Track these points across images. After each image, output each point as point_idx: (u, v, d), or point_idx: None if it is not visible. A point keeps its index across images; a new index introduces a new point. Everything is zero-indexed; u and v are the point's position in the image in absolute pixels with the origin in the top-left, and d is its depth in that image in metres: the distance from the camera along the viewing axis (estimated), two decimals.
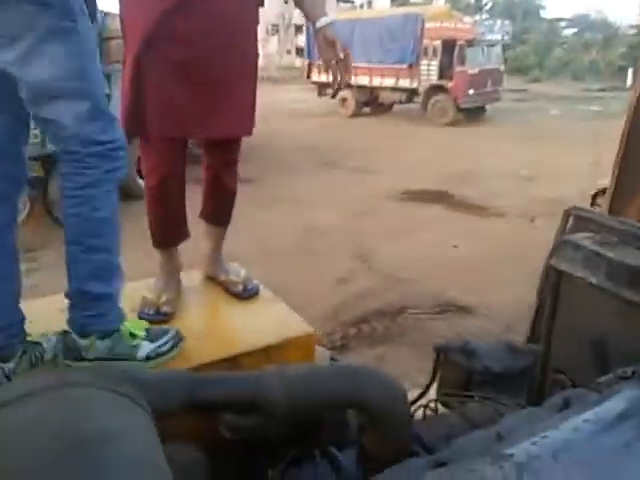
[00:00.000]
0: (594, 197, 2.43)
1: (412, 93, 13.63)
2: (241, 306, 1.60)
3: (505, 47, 14.50)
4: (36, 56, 1.07)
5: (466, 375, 1.12)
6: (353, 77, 14.06)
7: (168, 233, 1.63)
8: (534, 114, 14.69)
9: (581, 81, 24.75)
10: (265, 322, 1.47)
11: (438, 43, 12.82)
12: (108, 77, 4.69)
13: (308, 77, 15.05)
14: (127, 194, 5.70)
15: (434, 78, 13.03)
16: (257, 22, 1.61)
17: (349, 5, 37.67)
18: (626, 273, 1.10)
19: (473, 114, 13.32)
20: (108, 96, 4.37)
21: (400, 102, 14.10)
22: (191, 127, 1.53)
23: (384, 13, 14.89)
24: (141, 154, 1.56)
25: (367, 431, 0.94)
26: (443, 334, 3.88)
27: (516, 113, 14.84)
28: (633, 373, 0.94)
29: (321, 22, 1.57)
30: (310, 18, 1.60)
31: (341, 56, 1.57)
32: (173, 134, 1.52)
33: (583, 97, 19.21)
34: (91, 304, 1.22)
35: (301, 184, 7.74)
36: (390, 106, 14.65)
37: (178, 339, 1.32)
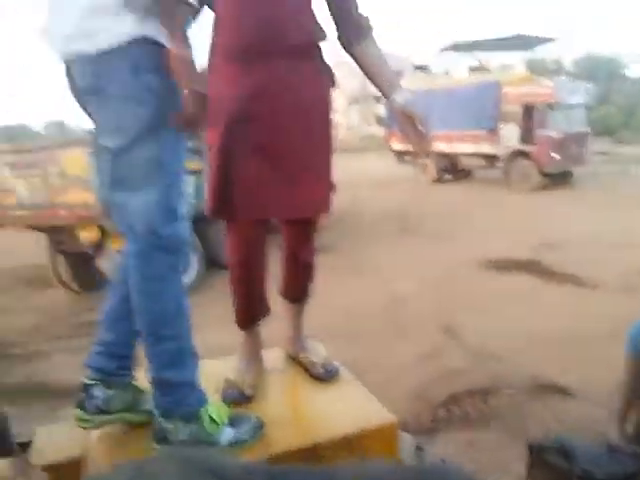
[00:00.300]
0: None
1: (493, 158, 13.49)
2: (321, 389, 1.58)
3: (588, 109, 14.13)
4: (128, 148, 1.18)
5: (564, 479, 1.02)
6: (433, 144, 14.15)
7: (249, 312, 1.65)
8: (623, 177, 14.05)
9: None
10: (345, 409, 1.43)
11: (518, 107, 12.68)
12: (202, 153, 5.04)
13: (388, 145, 15.36)
14: (218, 264, 5.95)
15: (515, 143, 12.83)
16: (331, 102, 1.67)
17: (425, 73, 38.50)
18: None
19: (559, 178, 12.90)
20: (201, 171, 4.61)
21: (481, 168, 13.98)
22: (273, 209, 1.57)
23: (461, 82, 15.08)
24: (226, 234, 1.62)
25: None
26: (540, 418, 3.61)
27: (604, 176, 14.24)
28: None
29: (397, 98, 1.61)
30: (385, 94, 1.64)
31: (420, 128, 1.59)
32: (256, 216, 1.56)
33: None
34: (169, 390, 1.26)
35: (384, 252, 7.74)
36: (471, 172, 14.56)
37: (259, 426, 1.32)
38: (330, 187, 1.66)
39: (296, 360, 1.72)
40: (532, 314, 5.31)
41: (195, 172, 4.87)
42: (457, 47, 15.69)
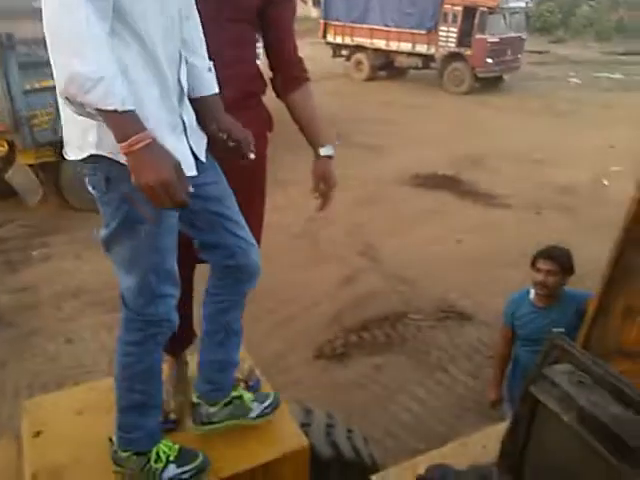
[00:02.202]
0: (534, 261, 2.54)
1: (429, 59, 13.32)
2: None
3: (529, 14, 14.01)
4: (109, 242, 1.25)
5: None
6: (369, 40, 13.74)
7: (177, 341, 1.66)
8: (554, 83, 14.30)
9: (606, 42, 23.86)
10: (266, 433, 1.55)
11: (459, 9, 12.40)
12: None
13: (324, 37, 14.73)
14: (72, 206, 5.61)
15: (452, 45, 12.69)
16: (266, 149, 1.65)
17: None
18: (594, 424, 1.20)
19: (491, 83, 13.04)
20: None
21: (416, 67, 13.79)
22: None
23: None
24: None
25: None
26: (440, 343, 4.01)
27: (535, 81, 14.46)
28: None
29: (324, 151, 1.64)
30: (313, 146, 1.66)
31: (330, 192, 1.65)
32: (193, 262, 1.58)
33: (606, 61, 18.55)
34: (127, 429, 1.40)
35: (308, 163, 7.66)
36: (406, 71, 14.36)
37: (203, 467, 1.41)
38: (259, 236, 1.66)
39: None
40: (446, 235, 5.59)
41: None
42: None
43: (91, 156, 1.14)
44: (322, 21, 14.55)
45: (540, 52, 19.36)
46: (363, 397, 3.47)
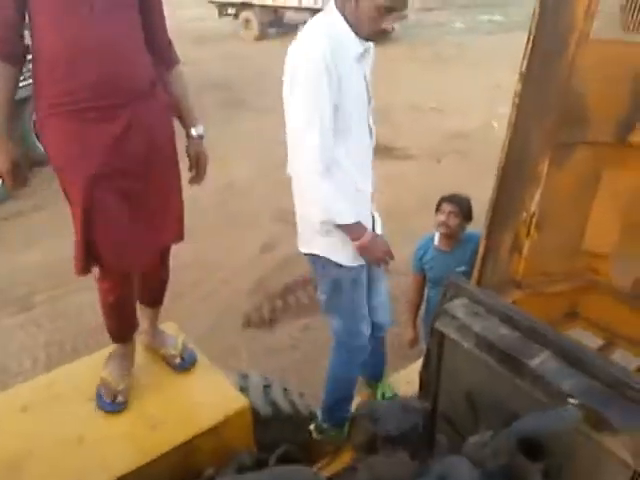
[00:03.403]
0: (438, 205, 2.82)
1: (317, 13, 13.24)
2: (185, 383, 1.79)
3: None
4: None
5: (373, 438, 1.44)
6: None
7: (124, 332, 1.77)
8: (440, 29, 14.76)
9: None
10: (209, 399, 1.69)
11: None
12: None
13: None
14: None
15: None
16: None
17: None
18: (487, 345, 1.43)
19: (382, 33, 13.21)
20: None
21: (306, 23, 13.68)
22: (143, 256, 1.66)
23: None
24: (97, 276, 1.64)
25: None
26: None
27: (423, 28, 14.81)
28: None
29: (195, 131, 1.76)
30: (185, 126, 1.75)
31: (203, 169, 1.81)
32: (128, 269, 1.64)
33: (486, 3, 19.24)
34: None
35: (210, 131, 7.52)
36: (296, 27, 14.24)
37: None
38: (182, 214, 1.75)
39: (156, 353, 1.90)
40: None
41: None
42: None
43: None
44: None
45: None
46: (295, 357, 3.65)
